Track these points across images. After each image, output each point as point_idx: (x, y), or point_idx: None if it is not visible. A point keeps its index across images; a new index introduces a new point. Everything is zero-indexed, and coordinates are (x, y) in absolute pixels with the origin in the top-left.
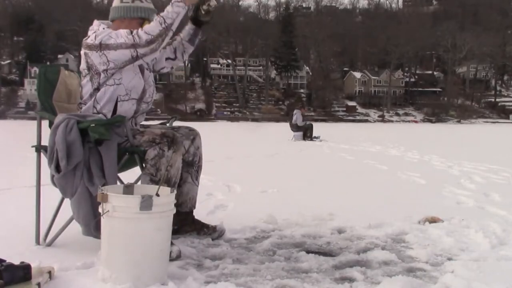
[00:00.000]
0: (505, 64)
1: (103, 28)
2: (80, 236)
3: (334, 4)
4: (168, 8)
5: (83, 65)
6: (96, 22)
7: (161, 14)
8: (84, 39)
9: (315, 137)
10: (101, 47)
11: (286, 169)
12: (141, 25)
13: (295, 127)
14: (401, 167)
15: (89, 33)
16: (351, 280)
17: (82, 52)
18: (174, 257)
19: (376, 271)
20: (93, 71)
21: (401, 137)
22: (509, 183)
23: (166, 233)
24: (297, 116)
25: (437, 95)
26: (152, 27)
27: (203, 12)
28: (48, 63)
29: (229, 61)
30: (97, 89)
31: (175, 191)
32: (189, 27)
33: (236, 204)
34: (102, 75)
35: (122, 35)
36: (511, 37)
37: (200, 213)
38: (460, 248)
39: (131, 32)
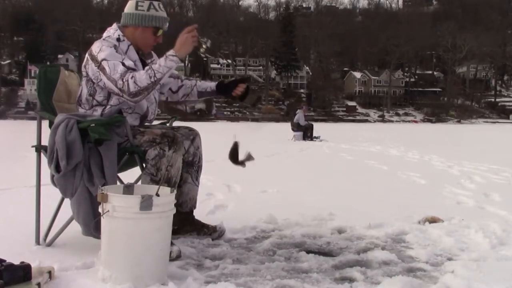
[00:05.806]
0: (505, 64)
1: (113, 45)
2: (80, 236)
3: (334, 4)
4: (161, 61)
5: (83, 67)
6: (114, 25)
7: (153, 66)
8: (97, 40)
9: (315, 137)
10: (99, 65)
11: (286, 169)
12: (155, 34)
13: (296, 127)
14: (401, 167)
15: (104, 34)
16: (351, 280)
17: (87, 53)
18: (174, 257)
19: (376, 271)
20: (89, 76)
21: (401, 137)
22: (509, 183)
23: (166, 233)
24: (299, 116)
25: (437, 95)
26: (142, 79)
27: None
28: (48, 63)
29: (229, 61)
30: (91, 95)
31: (175, 191)
32: (211, 87)
33: (236, 204)
34: (97, 87)
35: (117, 71)
36: (511, 37)
37: (200, 213)
38: (460, 248)
39: (124, 75)
